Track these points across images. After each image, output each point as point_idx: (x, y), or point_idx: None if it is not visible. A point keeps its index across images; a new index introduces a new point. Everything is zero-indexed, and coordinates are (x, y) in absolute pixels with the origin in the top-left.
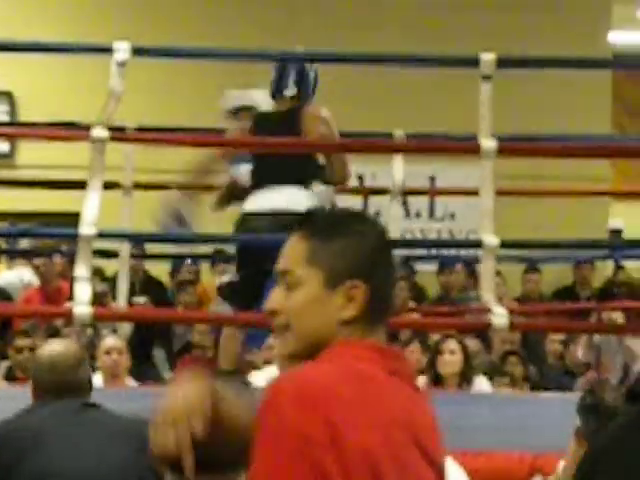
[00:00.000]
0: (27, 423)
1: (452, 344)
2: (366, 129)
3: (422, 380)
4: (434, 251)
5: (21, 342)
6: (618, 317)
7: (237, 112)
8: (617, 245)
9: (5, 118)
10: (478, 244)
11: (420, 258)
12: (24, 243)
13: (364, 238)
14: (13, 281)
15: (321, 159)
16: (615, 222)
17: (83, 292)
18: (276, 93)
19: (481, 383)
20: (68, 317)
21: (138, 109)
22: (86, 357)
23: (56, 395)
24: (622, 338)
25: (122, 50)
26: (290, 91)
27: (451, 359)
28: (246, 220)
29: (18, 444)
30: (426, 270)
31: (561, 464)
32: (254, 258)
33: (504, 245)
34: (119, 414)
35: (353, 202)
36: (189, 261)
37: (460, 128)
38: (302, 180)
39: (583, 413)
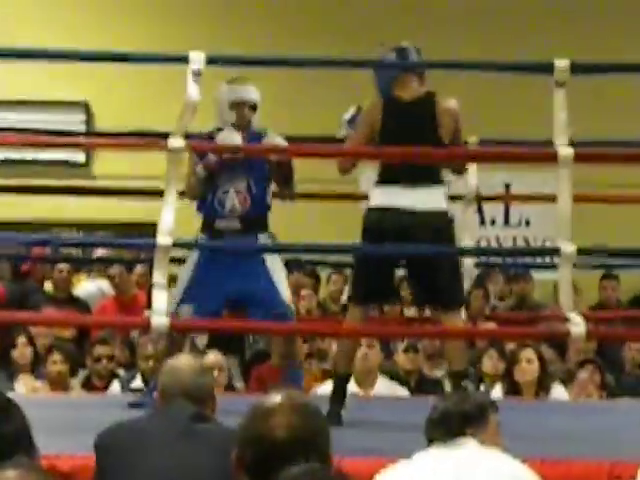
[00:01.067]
0: (135, 426)
1: (529, 353)
2: None
3: (498, 389)
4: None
5: (99, 351)
6: None
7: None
8: None
9: (81, 128)
10: (555, 251)
11: (495, 265)
12: (101, 253)
13: None
14: (93, 291)
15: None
16: None
17: (161, 302)
18: (401, 73)
19: (558, 391)
20: (146, 327)
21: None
22: (208, 372)
23: (172, 403)
24: None
25: (197, 60)
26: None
27: (528, 368)
28: (389, 217)
29: (119, 447)
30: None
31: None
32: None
33: (581, 252)
34: (228, 427)
35: None
36: None
37: (537, 134)
38: (438, 179)
39: None
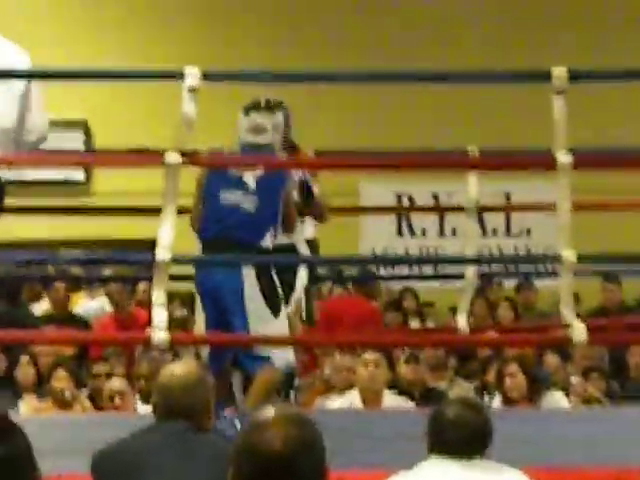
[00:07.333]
0: (131, 445)
1: (512, 367)
2: (440, 146)
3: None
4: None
5: (98, 368)
6: None
7: None
8: None
9: (80, 146)
10: (556, 259)
11: (498, 275)
12: (105, 271)
13: None
14: (96, 310)
15: None
16: None
17: (160, 317)
18: None
19: (559, 400)
20: (147, 343)
21: (216, 134)
22: (205, 381)
23: (167, 418)
24: None
25: (192, 75)
26: None
27: (513, 382)
28: None
29: (119, 466)
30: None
31: None
32: None
33: (582, 259)
34: (223, 439)
35: (430, 220)
36: None
37: (535, 142)
38: None
39: None
